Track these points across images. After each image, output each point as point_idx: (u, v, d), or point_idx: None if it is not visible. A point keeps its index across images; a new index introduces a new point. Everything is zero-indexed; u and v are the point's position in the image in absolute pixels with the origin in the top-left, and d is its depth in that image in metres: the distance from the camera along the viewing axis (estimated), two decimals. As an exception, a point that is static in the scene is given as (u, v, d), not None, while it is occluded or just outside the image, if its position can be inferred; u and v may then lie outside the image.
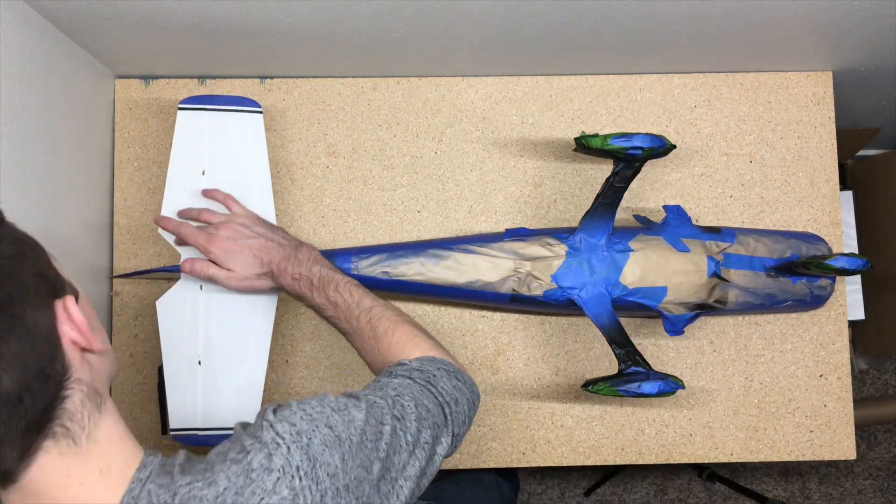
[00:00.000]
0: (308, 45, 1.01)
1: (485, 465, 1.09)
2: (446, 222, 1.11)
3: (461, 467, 1.08)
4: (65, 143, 0.97)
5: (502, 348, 1.10)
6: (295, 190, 1.11)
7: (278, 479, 0.55)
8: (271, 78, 1.13)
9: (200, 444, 0.97)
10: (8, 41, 0.84)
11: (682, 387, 0.97)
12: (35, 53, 0.89)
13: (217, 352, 0.98)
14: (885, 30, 0.98)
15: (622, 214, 1.10)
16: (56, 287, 0.55)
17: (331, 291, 0.85)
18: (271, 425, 0.59)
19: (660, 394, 0.95)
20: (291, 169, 1.11)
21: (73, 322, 0.54)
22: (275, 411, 0.61)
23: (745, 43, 1.03)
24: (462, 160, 1.12)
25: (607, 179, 0.98)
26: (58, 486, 0.53)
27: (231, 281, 0.90)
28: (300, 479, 0.55)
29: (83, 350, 0.55)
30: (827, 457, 1.10)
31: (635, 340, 1.07)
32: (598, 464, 1.10)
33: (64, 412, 0.53)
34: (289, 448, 0.57)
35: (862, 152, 1.71)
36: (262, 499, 0.54)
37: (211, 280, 0.92)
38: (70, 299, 0.55)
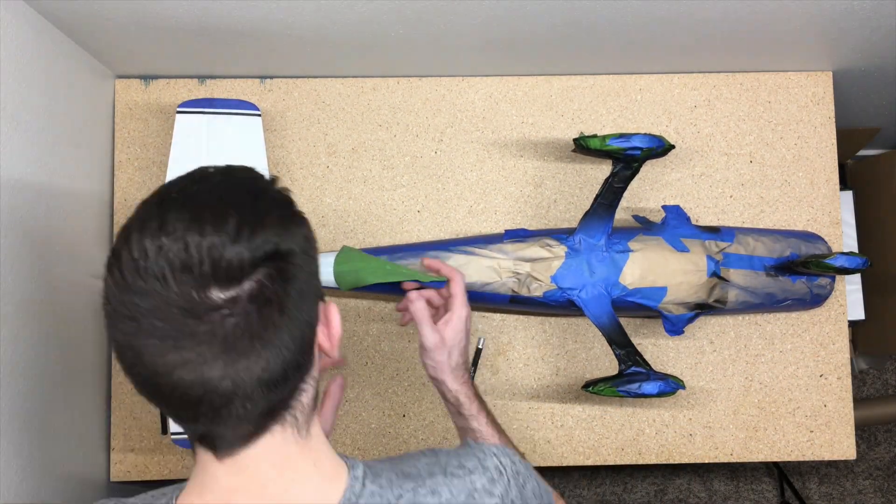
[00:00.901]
0: (308, 45, 1.01)
1: (485, 465, 1.08)
2: (446, 222, 1.11)
3: (461, 467, 1.08)
4: (65, 143, 0.97)
5: (502, 348, 1.10)
6: (295, 190, 1.10)
7: None
8: (271, 78, 1.12)
9: None
10: (8, 41, 0.84)
11: (683, 387, 0.97)
12: (35, 53, 0.89)
13: None
14: (885, 30, 0.98)
15: (622, 214, 1.10)
16: (320, 289, 0.58)
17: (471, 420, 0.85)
18: (495, 455, 0.61)
19: (660, 394, 0.95)
20: (291, 169, 1.11)
21: (329, 329, 0.57)
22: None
23: (745, 43, 1.03)
24: (462, 160, 1.12)
25: (606, 180, 0.98)
26: (274, 468, 0.54)
27: (431, 346, 0.84)
28: None
29: (321, 352, 0.58)
30: (827, 457, 1.10)
31: (635, 340, 1.07)
32: (598, 464, 1.10)
33: (298, 403, 0.55)
34: (509, 481, 0.60)
35: (862, 152, 1.71)
36: None
37: (421, 326, 0.85)
38: (332, 306, 0.58)
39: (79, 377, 1.01)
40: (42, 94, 0.91)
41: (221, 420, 0.50)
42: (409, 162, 1.12)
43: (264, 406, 0.51)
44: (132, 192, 1.10)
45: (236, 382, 0.48)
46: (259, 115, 1.02)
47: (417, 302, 0.85)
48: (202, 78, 1.12)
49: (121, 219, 1.10)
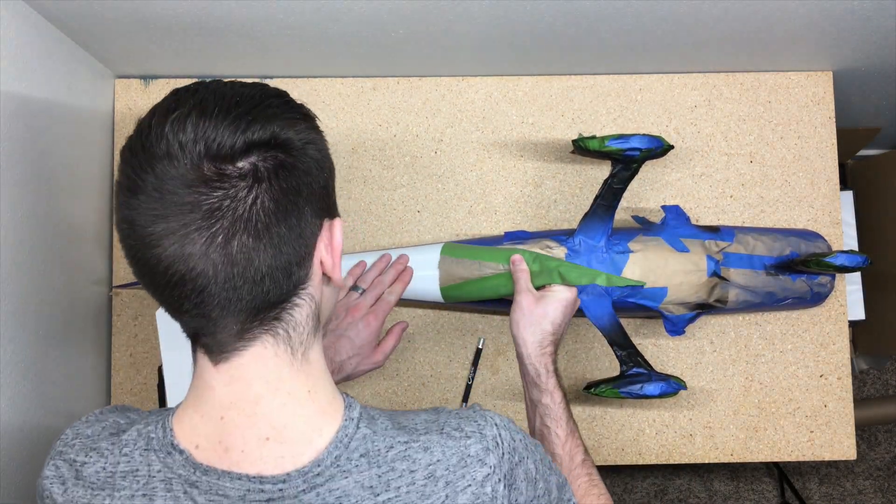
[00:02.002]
0: (308, 45, 1.01)
1: (485, 466, 1.08)
2: (446, 222, 1.11)
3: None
4: (65, 143, 0.97)
5: (502, 348, 1.10)
6: (295, 190, 1.11)
7: (488, 475, 0.56)
8: (271, 78, 1.12)
9: None
10: (8, 41, 0.84)
11: (685, 387, 0.97)
12: (35, 53, 0.89)
13: None
14: (885, 30, 0.98)
15: (623, 215, 1.10)
16: (331, 207, 0.59)
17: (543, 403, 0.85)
18: (496, 426, 0.60)
19: (662, 395, 0.95)
20: (291, 169, 1.11)
21: (332, 243, 0.58)
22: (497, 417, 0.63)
23: (745, 43, 1.03)
24: (462, 160, 1.12)
25: (605, 181, 0.98)
26: (266, 382, 0.55)
27: (524, 306, 0.90)
28: (503, 486, 0.57)
29: (324, 275, 0.58)
30: (827, 457, 1.10)
31: (636, 341, 1.07)
32: (598, 464, 1.10)
33: (290, 318, 0.55)
34: (503, 455, 0.58)
35: (862, 152, 1.71)
36: (470, 486, 0.56)
37: (518, 284, 0.92)
38: (338, 222, 0.59)
39: (79, 377, 1.01)
40: (42, 94, 0.91)
41: (207, 308, 0.51)
42: (409, 162, 1.12)
43: (249, 302, 0.52)
44: (132, 192, 1.10)
45: (216, 264, 0.50)
46: None
47: (521, 264, 0.94)
48: (202, 78, 1.12)
49: (121, 219, 1.10)
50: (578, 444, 0.82)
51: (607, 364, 1.10)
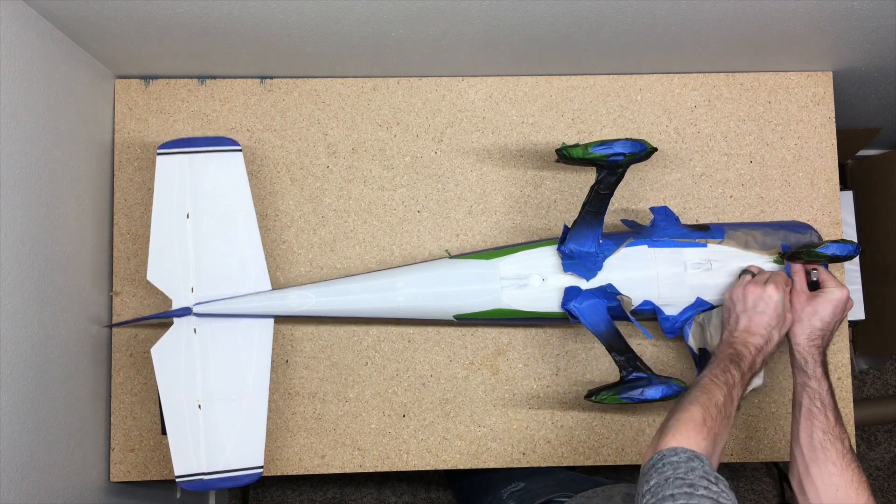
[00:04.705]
0: (308, 45, 1.01)
1: (485, 466, 1.09)
2: (446, 222, 1.11)
3: (460, 467, 1.08)
4: (65, 143, 0.97)
5: (502, 348, 1.10)
6: (295, 190, 1.11)
7: None
8: (271, 78, 1.12)
9: (207, 488, 0.97)
10: (8, 41, 0.84)
11: (686, 388, 0.97)
12: (35, 53, 0.89)
13: (216, 393, 0.98)
14: (885, 30, 0.98)
15: (622, 215, 1.10)
16: None
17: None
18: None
19: (663, 398, 0.95)
20: (291, 169, 1.11)
21: None
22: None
23: (745, 43, 1.03)
24: (462, 160, 1.12)
25: (592, 187, 0.97)
26: None
27: (798, 306, 0.95)
28: None
29: None
30: (827, 457, 1.10)
31: (634, 342, 1.07)
32: (599, 464, 1.10)
33: None
34: None
35: (862, 152, 1.71)
36: None
37: (795, 286, 0.98)
38: None
39: (79, 377, 1.01)
40: (42, 94, 0.91)
41: None
42: (409, 162, 1.12)
43: None
44: (132, 192, 1.10)
45: None
46: (240, 151, 1.01)
47: (800, 273, 0.99)
48: (202, 78, 1.12)
49: (121, 219, 1.10)
50: (844, 432, 0.87)
51: (607, 364, 1.10)
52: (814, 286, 0.98)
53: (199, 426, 0.97)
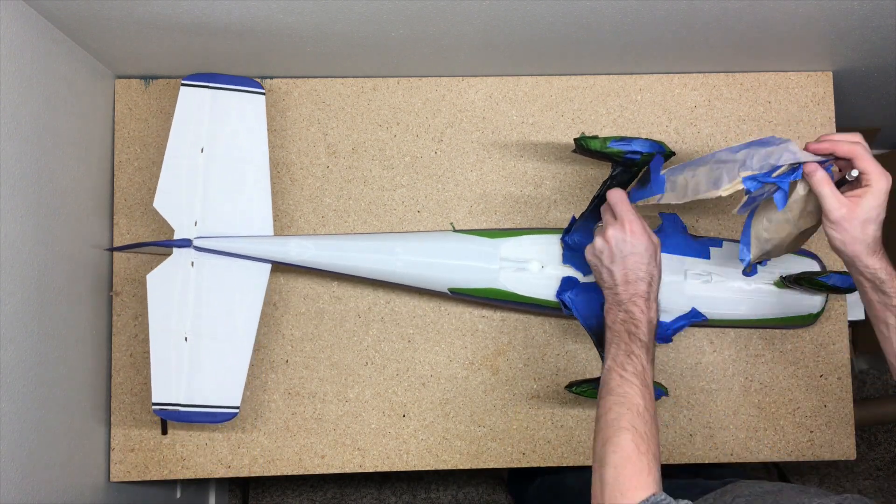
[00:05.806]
0: (308, 45, 1.01)
1: (485, 466, 1.09)
2: (446, 223, 1.11)
3: (460, 468, 1.08)
4: (65, 143, 0.97)
5: (502, 348, 1.10)
6: (295, 190, 1.11)
7: None
8: (271, 78, 1.13)
9: (182, 419, 0.98)
10: (8, 41, 0.84)
11: (666, 393, 0.97)
12: (35, 53, 0.89)
13: (204, 330, 0.98)
14: (885, 30, 0.98)
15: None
16: None
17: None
18: None
19: None
20: (291, 169, 1.11)
21: None
22: None
23: (745, 43, 1.03)
24: (462, 160, 1.12)
25: (604, 182, 0.97)
26: None
27: (838, 218, 0.77)
28: None
29: None
30: (827, 457, 1.10)
31: (635, 340, 1.07)
32: (598, 464, 1.10)
33: None
34: None
35: (862, 152, 1.71)
36: None
37: (823, 198, 0.78)
38: None
39: (79, 377, 1.01)
40: (42, 94, 0.91)
41: None
42: (409, 162, 1.12)
43: None
44: (132, 192, 1.11)
45: None
46: (263, 94, 1.02)
47: (819, 172, 0.78)
48: (202, 78, 1.12)
49: (121, 219, 1.10)
50: None
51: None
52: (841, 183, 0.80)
53: (182, 358, 0.97)
